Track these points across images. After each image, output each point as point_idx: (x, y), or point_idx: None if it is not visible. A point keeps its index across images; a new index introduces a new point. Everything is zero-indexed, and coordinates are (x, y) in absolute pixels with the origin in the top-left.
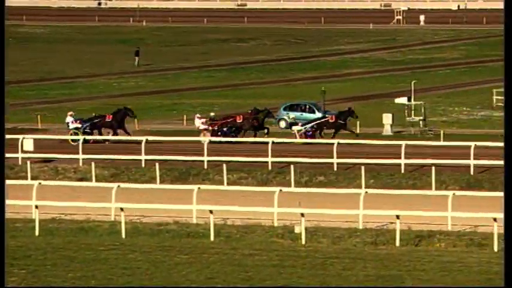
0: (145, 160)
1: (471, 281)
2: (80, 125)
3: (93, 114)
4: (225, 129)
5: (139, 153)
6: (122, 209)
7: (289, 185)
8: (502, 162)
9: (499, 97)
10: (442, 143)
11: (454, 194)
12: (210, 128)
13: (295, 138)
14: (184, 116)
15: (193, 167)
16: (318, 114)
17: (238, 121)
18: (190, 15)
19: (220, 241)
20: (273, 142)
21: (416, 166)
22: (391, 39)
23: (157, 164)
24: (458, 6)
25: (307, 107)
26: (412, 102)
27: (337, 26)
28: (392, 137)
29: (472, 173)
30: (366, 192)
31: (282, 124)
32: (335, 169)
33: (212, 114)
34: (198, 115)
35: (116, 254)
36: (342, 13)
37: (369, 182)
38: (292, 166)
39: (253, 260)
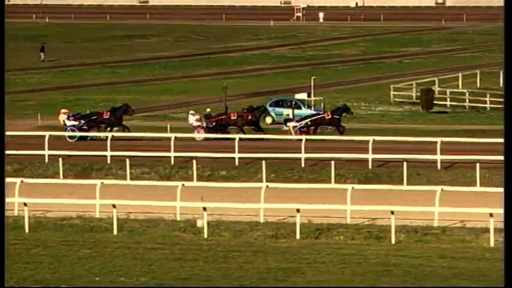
0: (49, 155)
1: (369, 273)
2: (76, 122)
3: (87, 111)
4: (209, 126)
5: (43, 149)
6: (25, 204)
7: (191, 180)
8: (400, 156)
9: (396, 92)
10: (341, 137)
11: (352, 187)
12: (204, 124)
13: (290, 134)
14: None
15: (96, 162)
16: (304, 110)
17: (232, 118)
18: (93, 12)
19: (123, 235)
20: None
21: (316, 160)
22: (291, 35)
23: (60, 159)
24: (357, 4)
25: (293, 102)
26: (312, 97)
27: (238, 23)
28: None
29: (370, 167)
30: (267, 186)
31: (268, 120)
32: (236, 164)
33: (208, 110)
34: (192, 112)
35: (20, 248)
36: (243, 10)
37: (270, 176)
38: (194, 161)
39: (156, 254)
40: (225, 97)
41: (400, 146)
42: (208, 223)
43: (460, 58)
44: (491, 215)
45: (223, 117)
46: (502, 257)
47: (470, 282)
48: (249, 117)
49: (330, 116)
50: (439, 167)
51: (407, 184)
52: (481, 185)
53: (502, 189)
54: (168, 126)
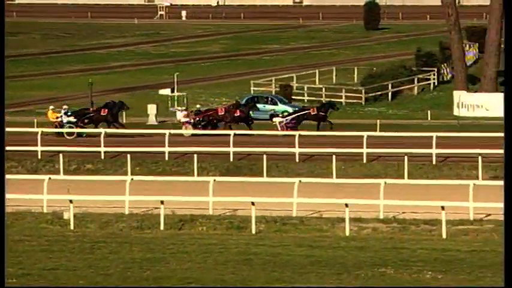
0: None
1: (231, 261)
2: (75, 119)
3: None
4: (196, 122)
5: None
6: None
7: (58, 173)
8: (260, 149)
9: (256, 88)
10: (204, 131)
11: (214, 180)
12: (192, 120)
13: (277, 129)
14: None
15: None
16: (281, 106)
17: (219, 113)
18: None
19: None
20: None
21: (179, 154)
22: (155, 33)
23: None
24: (218, 2)
25: (270, 99)
26: (175, 93)
27: (104, 21)
28: (157, 127)
29: (231, 159)
30: (132, 179)
31: None
32: (102, 157)
33: (198, 106)
34: (179, 108)
35: None
36: (108, 8)
37: (135, 169)
38: (61, 155)
39: (23, 246)
40: (91, 93)
41: (260, 140)
42: (74, 215)
43: (317, 55)
44: (346, 205)
45: (210, 112)
46: (358, 245)
47: (328, 269)
48: (237, 113)
49: (315, 112)
50: (297, 160)
51: (267, 176)
52: (337, 177)
53: (358, 180)
54: (35, 121)
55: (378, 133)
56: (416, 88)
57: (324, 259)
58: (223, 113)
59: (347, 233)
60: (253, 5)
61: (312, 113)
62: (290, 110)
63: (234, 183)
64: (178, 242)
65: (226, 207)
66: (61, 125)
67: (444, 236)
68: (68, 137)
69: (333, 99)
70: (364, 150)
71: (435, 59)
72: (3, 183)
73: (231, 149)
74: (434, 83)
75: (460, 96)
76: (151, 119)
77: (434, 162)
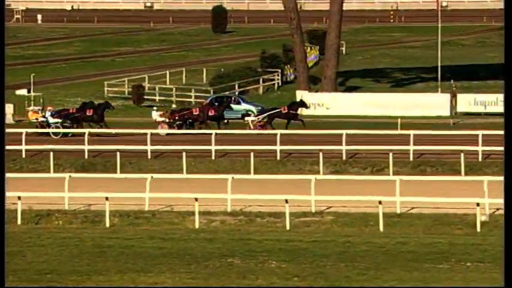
0: None
1: (85, 254)
2: (60, 120)
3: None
4: (171, 121)
5: None
6: None
7: None
8: (113, 147)
9: (110, 88)
10: (64, 130)
11: (70, 176)
12: (168, 120)
13: (249, 128)
14: None
15: None
16: (244, 105)
17: (194, 113)
18: None
19: None
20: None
21: (36, 151)
22: (12, 35)
23: None
24: (72, 7)
25: (233, 98)
26: (32, 93)
27: None
28: (14, 125)
29: (86, 157)
30: None
31: None
32: None
33: (174, 106)
34: (155, 108)
35: None
36: None
37: None
38: None
39: None
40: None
41: (113, 138)
42: None
43: (168, 57)
44: (196, 199)
45: (185, 112)
46: (207, 237)
47: (178, 260)
48: (212, 113)
49: (286, 111)
50: (149, 156)
51: (121, 172)
52: (187, 173)
53: (207, 176)
54: None
55: (226, 131)
56: (261, 88)
57: (175, 250)
58: (197, 113)
59: (197, 226)
60: (107, 9)
61: (284, 112)
62: (254, 109)
63: (89, 179)
64: (35, 235)
65: (82, 202)
66: (42, 125)
67: (288, 227)
68: (54, 137)
69: (183, 99)
70: (213, 148)
71: (279, 61)
72: (3, 183)
73: (86, 147)
74: (278, 83)
75: (302, 96)
76: (8, 118)
77: (278, 158)
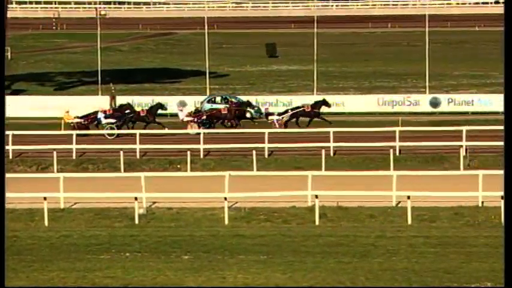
0: None
1: None
2: (113, 120)
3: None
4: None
5: None
6: None
7: None
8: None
9: None
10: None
11: None
12: (196, 119)
13: (275, 127)
14: None
15: None
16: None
17: (223, 112)
18: None
19: None
20: None
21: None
22: None
23: None
24: None
25: (225, 98)
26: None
27: None
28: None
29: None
30: None
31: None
32: None
33: (197, 106)
34: (180, 107)
35: None
36: None
37: None
38: None
39: None
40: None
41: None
42: None
43: None
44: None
45: (214, 111)
46: None
47: None
48: (237, 112)
49: (309, 109)
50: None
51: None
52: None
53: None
54: None
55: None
56: None
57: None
58: (226, 112)
59: None
60: None
61: (307, 110)
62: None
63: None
64: None
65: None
66: (79, 127)
67: None
68: (109, 137)
69: None
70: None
71: None
72: (3, 183)
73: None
74: None
75: None
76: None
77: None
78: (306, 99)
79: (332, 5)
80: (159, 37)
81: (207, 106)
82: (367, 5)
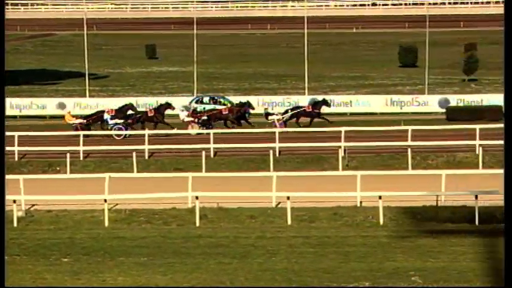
0: None
1: None
2: (121, 121)
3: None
4: (200, 120)
5: None
6: None
7: None
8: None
9: None
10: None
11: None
12: (197, 120)
13: (275, 127)
14: None
15: None
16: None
17: (224, 113)
18: None
19: None
20: None
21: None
22: None
23: None
24: None
25: (212, 98)
26: None
27: None
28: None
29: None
30: None
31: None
32: None
33: (194, 105)
34: (181, 108)
35: None
36: None
37: None
38: None
39: None
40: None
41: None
42: None
43: None
44: None
45: (215, 112)
46: None
47: None
48: (238, 112)
49: (310, 109)
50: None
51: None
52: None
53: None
54: None
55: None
56: None
57: None
58: (227, 113)
59: None
60: None
61: (308, 110)
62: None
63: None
64: None
65: None
66: (82, 128)
67: None
68: (117, 138)
69: None
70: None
71: None
72: (3, 183)
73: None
74: None
75: None
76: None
77: None
78: (185, 101)
79: (212, 7)
80: (37, 38)
81: (199, 107)
82: (246, 7)
